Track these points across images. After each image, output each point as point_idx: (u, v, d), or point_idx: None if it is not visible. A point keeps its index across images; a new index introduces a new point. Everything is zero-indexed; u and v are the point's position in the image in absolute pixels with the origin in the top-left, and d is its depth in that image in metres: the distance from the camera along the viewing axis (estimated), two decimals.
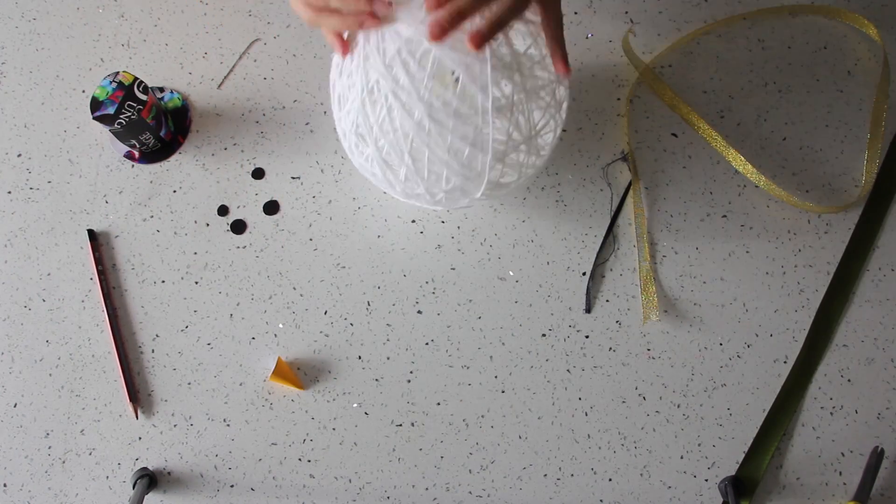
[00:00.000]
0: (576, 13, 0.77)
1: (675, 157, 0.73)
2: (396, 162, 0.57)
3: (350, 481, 0.65)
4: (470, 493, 0.65)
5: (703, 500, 0.65)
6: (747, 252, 0.70)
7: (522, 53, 0.55)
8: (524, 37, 0.56)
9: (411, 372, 0.68)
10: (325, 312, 0.69)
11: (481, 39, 0.50)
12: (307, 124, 0.74)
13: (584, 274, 0.70)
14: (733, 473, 0.65)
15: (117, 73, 0.68)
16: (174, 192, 0.72)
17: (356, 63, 0.55)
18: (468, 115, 0.53)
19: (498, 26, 0.51)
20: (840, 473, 0.65)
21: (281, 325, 0.69)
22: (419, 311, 0.69)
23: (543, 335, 0.68)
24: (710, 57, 0.75)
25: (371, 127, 0.55)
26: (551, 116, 0.58)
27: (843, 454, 0.65)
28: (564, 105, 0.60)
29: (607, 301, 0.69)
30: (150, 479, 0.64)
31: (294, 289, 0.70)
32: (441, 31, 0.50)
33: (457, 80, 0.53)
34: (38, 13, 0.78)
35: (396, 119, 0.54)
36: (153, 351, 0.68)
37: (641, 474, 0.65)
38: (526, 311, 0.69)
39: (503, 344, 0.68)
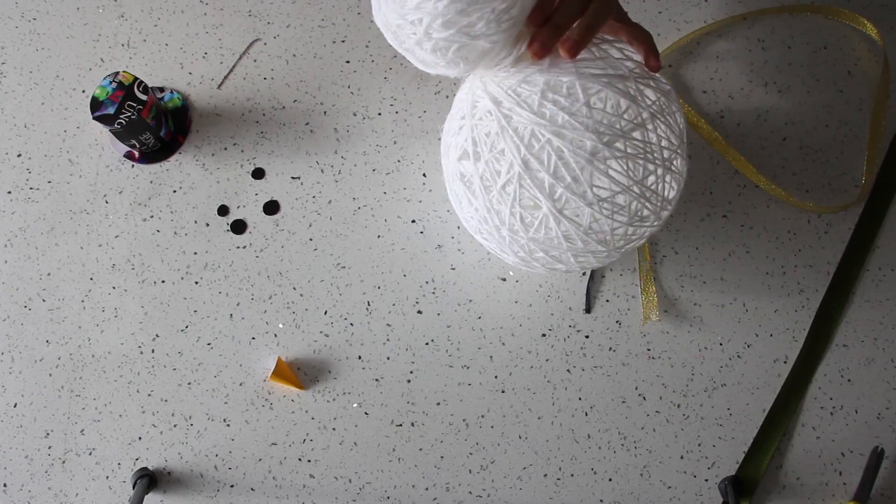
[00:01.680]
0: None
1: None
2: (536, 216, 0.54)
3: (350, 481, 0.65)
4: (470, 493, 0.65)
5: (703, 500, 0.65)
6: (747, 252, 0.70)
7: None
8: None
9: (411, 372, 0.68)
10: (325, 312, 0.69)
11: (575, 46, 0.51)
12: (307, 124, 0.74)
13: (584, 274, 0.70)
14: (733, 473, 0.65)
15: (117, 73, 0.68)
16: (174, 192, 0.72)
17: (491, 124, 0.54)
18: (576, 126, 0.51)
19: (589, 31, 0.52)
20: (840, 473, 0.65)
21: (281, 325, 0.69)
22: (419, 311, 0.69)
23: (543, 335, 0.68)
24: (710, 57, 0.75)
25: (535, 176, 0.52)
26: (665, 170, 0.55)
27: (843, 454, 0.65)
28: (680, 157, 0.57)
29: (607, 301, 0.69)
30: (150, 479, 0.64)
31: (294, 289, 0.70)
32: (543, 50, 0.51)
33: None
34: (38, 13, 0.78)
35: (562, 166, 0.52)
36: (153, 351, 0.68)
37: (641, 474, 0.65)
38: (526, 311, 0.69)
39: (503, 344, 0.68)
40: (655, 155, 0.53)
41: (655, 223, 0.56)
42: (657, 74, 0.56)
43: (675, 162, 0.55)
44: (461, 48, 0.50)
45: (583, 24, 0.52)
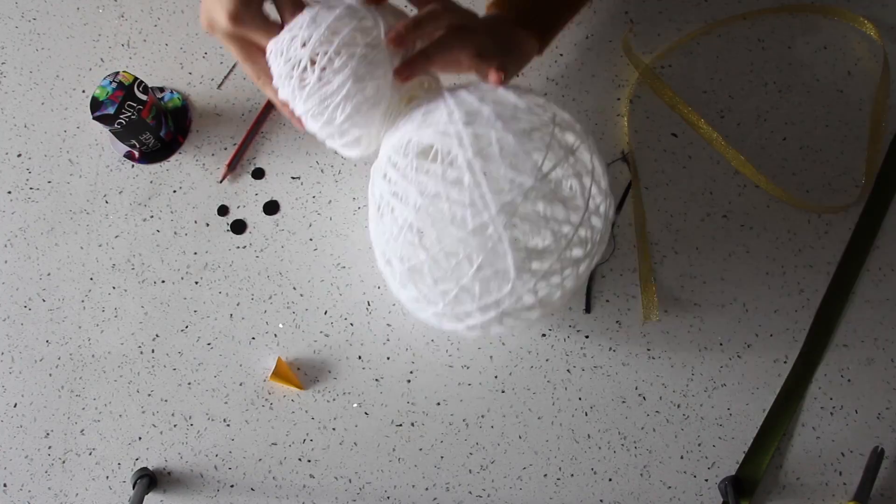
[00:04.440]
0: None
1: (675, 157, 0.73)
2: (419, 264, 0.53)
3: (350, 481, 0.65)
4: (470, 493, 0.65)
5: (703, 500, 0.65)
6: (747, 252, 0.70)
7: (508, 104, 0.53)
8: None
9: (411, 372, 0.68)
10: (325, 312, 0.69)
11: (405, 68, 0.52)
12: None
13: None
14: (733, 473, 0.65)
15: (117, 73, 0.68)
16: (174, 192, 0.72)
17: (369, 198, 0.56)
18: (457, 176, 0.50)
19: (428, 57, 0.53)
20: (840, 473, 0.65)
21: (281, 325, 0.69)
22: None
23: (543, 335, 0.68)
24: (710, 57, 0.75)
25: (387, 240, 0.54)
26: (562, 159, 0.52)
27: (843, 454, 0.65)
28: (581, 148, 0.54)
29: (607, 301, 0.69)
30: (150, 479, 0.64)
31: (294, 289, 0.70)
32: (396, 37, 0.52)
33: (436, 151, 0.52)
34: (38, 13, 0.78)
35: (399, 216, 0.52)
36: (153, 351, 0.68)
37: (641, 474, 0.65)
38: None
39: (503, 344, 0.68)
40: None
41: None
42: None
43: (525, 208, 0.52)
44: (342, 135, 0.55)
45: (429, 45, 0.53)
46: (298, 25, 0.52)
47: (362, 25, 0.52)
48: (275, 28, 0.53)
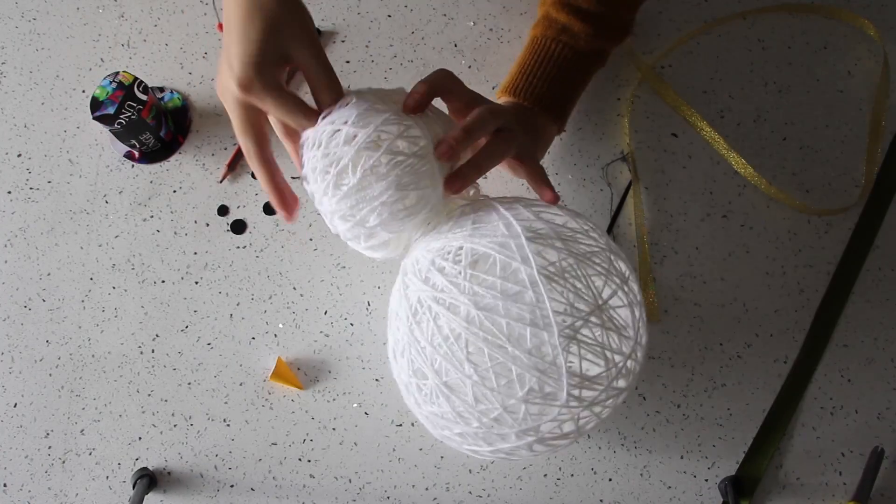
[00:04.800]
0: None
1: (675, 157, 0.73)
2: (459, 379, 0.49)
3: (350, 481, 0.65)
4: (470, 493, 0.65)
5: (703, 500, 0.65)
6: (747, 252, 0.70)
7: (562, 225, 0.52)
8: (557, 225, 0.52)
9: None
10: (325, 312, 0.69)
11: (448, 150, 0.50)
12: None
13: None
14: (733, 473, 0.65)
15: (117, 73, 0.68)
16: (174, 192, 0.72)
17: (397, 299, 0.53)
18: (516, 290, 0.48)
19: (478, 169, 0.52)
20: (840, 473, 0.65)
21: (281, 325, 0.69)
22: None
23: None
24: (710, 57, 0.75)
25: (423, 349, 0.50)
26: (618, 287, 0.51)
27: (843, 454, 0.65)
28: (631, 278, 0.53)
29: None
30: (150, 479, 0.64)
31: (294, 289, 0.70)
32: (448, 150, 0.50)
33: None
34: (38, 13, 0.78)
35: (444, 326, 0.48)
36: (153, 351, 0.68)
37: (641, 474, 0.65)
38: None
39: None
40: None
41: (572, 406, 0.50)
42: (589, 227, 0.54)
43: (584, 333, 0.50)
44: (369, 237, 0.52)
45: (479, 152, 0.52)
46: (343, 119, 0.49)
47: (409, 133, 0.49)
48: (289, 99, 0.50)
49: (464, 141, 0.50)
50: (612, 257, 0.52)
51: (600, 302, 0.49)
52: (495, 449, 0.51)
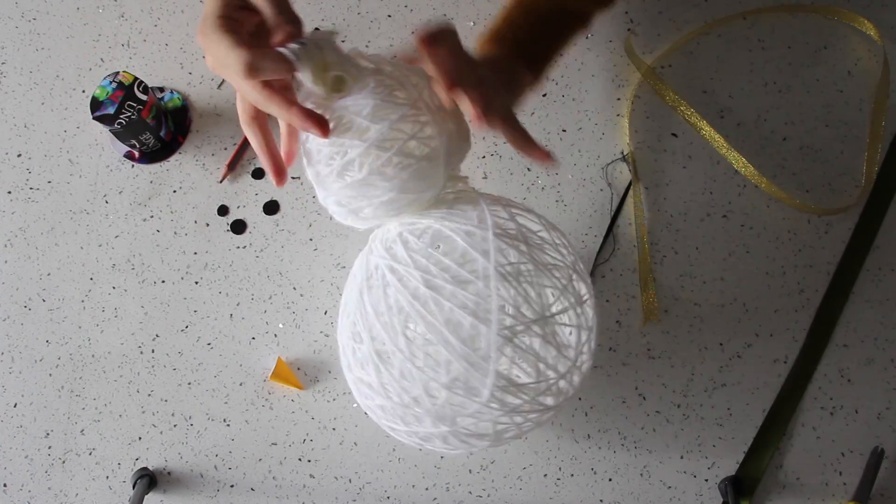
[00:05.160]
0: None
1: (675, 157, 0.73)
2: (391, 350, 0.49)
3: (350, 481, 0.65)
4: (470, 493, 0.65)
5: (703, 500, 0.65)
6: (747, 252, 0.70)
7: (532, 231, 0.52)
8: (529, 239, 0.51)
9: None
10: (325, 312, 0.69)
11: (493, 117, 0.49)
12: None
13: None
14: (733, 473, 0.65)
15: (117, 73, 0.68)
16: (174, 192, 0.72)
17: (359, 262, 0.53)
18: (468, 280, 0.47)
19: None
20: (840, 473, 0.65)
21: (281, 325, 0.69)
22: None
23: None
24: (710, 57, 0.75)
25: (366, 313, 0.50)
26: (571, 307, 0.50)
27: (843, 454, 0.65)
28: (588, 304, 0.52)
29: (607, 301, 0.69)
30: (150, 479, 0.64)
31: (294, 289, 0.70)
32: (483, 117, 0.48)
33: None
34: (38, 13, 0.78)
35: (391, 296, 0.49)
36: (153, 351, 0.68)
37: (641, 474, 0.65)
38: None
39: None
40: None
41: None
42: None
43: (523, 339, 0.49)
44: (356, 218, 0.52)
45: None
46: (356, 110, 0.47)
47: (423, 134, 0.49)
48: (288, 64, 0.46)
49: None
50: (574, 276, 0.51)
51: (546, 314, 0.49)
52: (410, 430, 0.51)
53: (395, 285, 0.48)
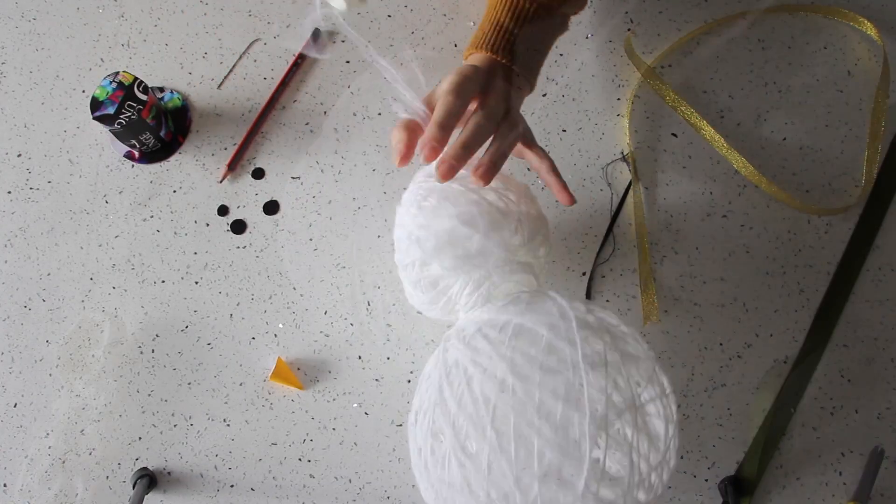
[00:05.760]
0: (575, 13, 0.77)
1: (675, 157, 0.73)
2: (478, 444, 0.46)
3: (350, 481, 0.65)
4: None
5: (703, 500, 0.65)
6: (747, 252, 0.70)
7: (614, 325, 0.52)
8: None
9: (411, 372, 0.68)
10: (325, 312, 0.69)
11: (487, 172, 0.51)
12: (307, 124, 0.74)
13: (584, 274, 0.70)
14: (733, 473, 0.65)
15: (117, 73, 0.68)
16: (174, 192, 0.72)
17: (433, 363, 0.53)
18: (556, 370, 0.47)
19: (500, 156, 0.53)
20: (840, 473, 0.65)
21: (281, 325, 0.69)
22: (419, 311, 0.69)
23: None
24: (710, 57, 0.75)
25: (448, 408, 0.48)
26: (657, 396, 0.49)
27: (843, 454, 0.65)
28: (671, 397, 0.51)
29: (607, 301, 0.69)
30: (150, 479, 0.64)
31: (294, 289, 0.70)
32: (449, 170, 0.50)
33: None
34: (38, 13, 0.78)
35: (476, 388, 0.47)
36: (153, 351, 0.68)
37: None
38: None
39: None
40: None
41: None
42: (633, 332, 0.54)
43: (616, 428, 0.48)
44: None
45: (493, 149, 0.53)
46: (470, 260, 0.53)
47: (513, 278, 0.53)
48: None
49: (462, 158, 0.51)
50: (657, 368, 0.51)
51: (637, 403, 0.47)
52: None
53: (480, 377, 0.47)
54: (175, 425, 0.67)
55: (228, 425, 0.67)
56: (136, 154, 0.73)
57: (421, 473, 0.51)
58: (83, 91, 0.75)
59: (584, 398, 0.45)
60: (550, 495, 0.45)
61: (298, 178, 0.73)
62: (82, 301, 0.70)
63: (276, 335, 0.69)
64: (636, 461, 0.47)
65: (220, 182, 0.72)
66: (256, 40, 0.77)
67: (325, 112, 0.74)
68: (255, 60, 0.76)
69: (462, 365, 0.49)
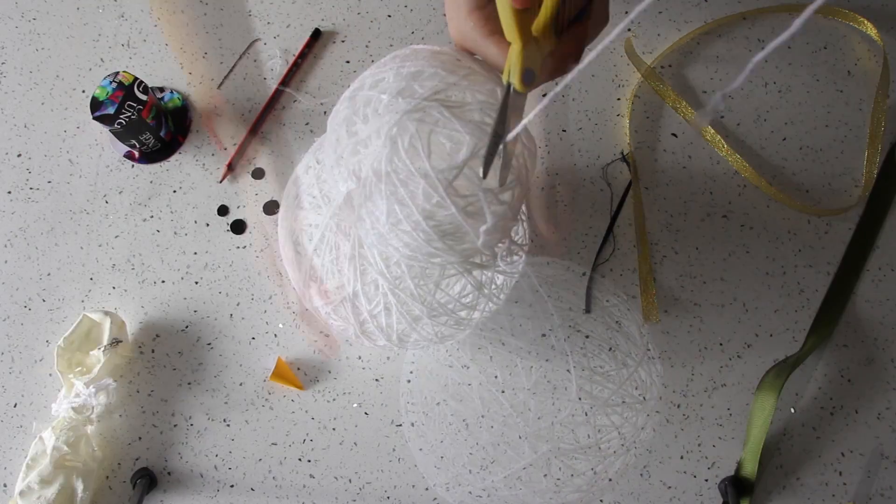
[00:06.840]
0: None
1: (675, 157, 0.73)
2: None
3: (350, 481, 0.65)
4: (470, 493, 0.65)
5: (703, 500, 0.65)
6: (747, 252, 0.70)
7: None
8: None
9: (411, 372, 0.67)
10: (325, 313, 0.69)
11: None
12: (307, 124, 0.74)
13: (584, 274, 0.70)
14: (733, 473, 0.65)
15: (117, 73, 0.68)
16: (174, 192, 0.72)
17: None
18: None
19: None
20: (840, 473, 0.65)
21: (281, 325, 0.69)
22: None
23: (543, 335, 0.68)
24: (710, 57, 0.75)
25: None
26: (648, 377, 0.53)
27: (843, 454, 0.65)
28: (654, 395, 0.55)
29: (607, 301, 0.69)
30: (150, 479, 0.64)
31: (294, 289, 0.70)
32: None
33: None
34: (38, 13, 0.78)
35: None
36: (153, 351, 0.68)
37: (641, 474, 0.65)
38: (526, 310, 0.69)
39: (503, 344, 0.68)
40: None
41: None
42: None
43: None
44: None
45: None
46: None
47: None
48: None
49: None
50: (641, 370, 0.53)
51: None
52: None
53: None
54: (175, 425, 0.67)
55: (228, 425, 0.67)
56: (136, 154, 0.73)
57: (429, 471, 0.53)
58: (83, 91, 0.75)
59: (531, 414, 0.48)
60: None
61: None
62: (82, 301, 0.69)
63: (276, 335, 0.69)
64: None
65: (220, 182, 0.72)
66: (256, 40, 0.77)
67: (325, 112, 0.74)
68: (255, 60, 0.76)
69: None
